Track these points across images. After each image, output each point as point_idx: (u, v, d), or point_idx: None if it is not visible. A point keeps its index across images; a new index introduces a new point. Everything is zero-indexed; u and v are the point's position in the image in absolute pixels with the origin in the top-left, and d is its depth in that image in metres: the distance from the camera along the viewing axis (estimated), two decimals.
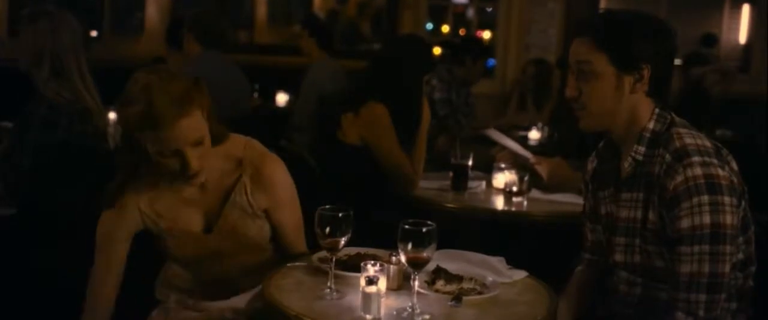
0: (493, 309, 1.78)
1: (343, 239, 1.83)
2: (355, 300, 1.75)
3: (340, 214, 1.82)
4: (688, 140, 1.79)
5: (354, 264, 1.89)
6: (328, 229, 1.81)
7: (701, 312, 1.72)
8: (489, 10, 7.56)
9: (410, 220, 1.70)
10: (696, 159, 1.75)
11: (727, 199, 1.72)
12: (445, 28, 8.03)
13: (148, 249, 2.30)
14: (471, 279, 1.91)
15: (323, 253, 1.93)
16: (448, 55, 5.56)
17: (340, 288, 1.82)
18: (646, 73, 1.83)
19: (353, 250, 2.03)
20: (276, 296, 1.78)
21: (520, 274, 2.01)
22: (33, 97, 2.82)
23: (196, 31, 3.93)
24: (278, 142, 3.52)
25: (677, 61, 5.65)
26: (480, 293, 1.84)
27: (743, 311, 1.89)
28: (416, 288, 1.72)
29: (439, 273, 1.90)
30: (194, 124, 1.85)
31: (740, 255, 1.83)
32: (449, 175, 3.21)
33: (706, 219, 1.71)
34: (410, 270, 1.72)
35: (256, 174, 2.03)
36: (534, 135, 4.93)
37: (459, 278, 1.90)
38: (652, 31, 1.84)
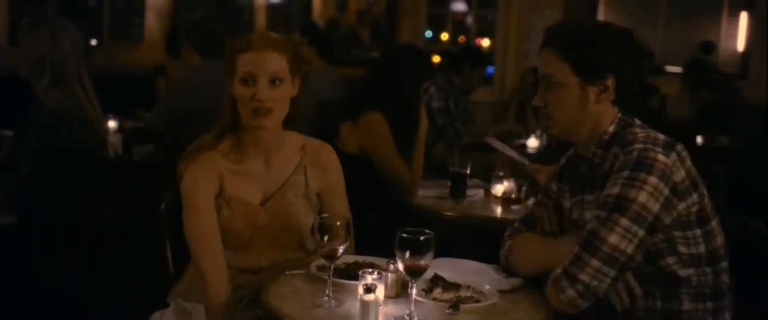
0: (490, 317, 1.79)
1: (342, 247, 1.84)
2: (353, 308, 1.75)
3: (339, 222, 1.83)
4: (641, 134, 1.84)
5: (352, 272, 1.89)
6: (326, 237, 1.82)
7: (581, 275, 1.73)
8: (488, 17, 7.58)
9: (408, 228, 1.71)
10: (638, 145, 1.79)
11: (651, 179, 1.74)
12: (445, 36, 8.05)
13: (148, 250, 2.31)
14: (468, 286, 1.91)
15: (321, 261, 1.94)
16: (447, 63, 5.56)
17: (339, 296, 1.82)
18: (611, 83, 1.86)
19: (351, 258, 2.03)
20: (274, 304, 1.78)
21: (517, 282, 2.01)
22: (33, 101, 2.83)
23: (195, 40, 3.92)
24: None
25: (678, 69, 5.64)
26: (477, 301, 1.84)
27: (725, 309, 1.88)
28: (414, 296, 1.73)
29: (436, 281, 1.90)
30: (277, 61, 2.05)
31: (701, 249, 1.83)
32: (448, 183, 3.22)
33: (616, 190, 1.75)
34: (408, 278, 1.72)
35: (315, 159, 2.22)
36: (532, 143, 4.93)
37: (456, 286, 1.90)
38: (615, 41, 1.86)
